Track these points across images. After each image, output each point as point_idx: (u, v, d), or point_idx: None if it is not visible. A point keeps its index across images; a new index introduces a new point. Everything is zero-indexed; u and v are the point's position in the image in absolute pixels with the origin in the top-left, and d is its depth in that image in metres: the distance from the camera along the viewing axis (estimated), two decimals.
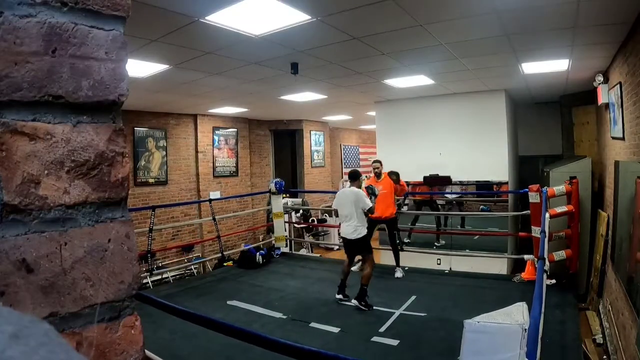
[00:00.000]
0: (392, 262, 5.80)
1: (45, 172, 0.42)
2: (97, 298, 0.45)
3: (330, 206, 10.74)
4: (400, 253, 5.87)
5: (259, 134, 10.39)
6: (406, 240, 7.00)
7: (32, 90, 0.41)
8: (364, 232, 4.52)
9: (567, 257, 5.08)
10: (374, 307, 4.40)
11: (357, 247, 4.60)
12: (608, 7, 3.14)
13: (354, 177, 4.71)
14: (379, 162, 5.81)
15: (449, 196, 7.70)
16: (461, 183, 7.29)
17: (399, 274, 5.56)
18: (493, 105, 6.71)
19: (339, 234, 5.13)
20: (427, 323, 4.02)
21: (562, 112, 7.42)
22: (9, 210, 0.39)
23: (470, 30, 3.70)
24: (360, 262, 5.10)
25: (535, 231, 4.99)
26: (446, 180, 7.13)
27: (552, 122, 7.72)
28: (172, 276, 7.02)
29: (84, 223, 0.45)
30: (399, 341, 3.62)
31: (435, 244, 6.89)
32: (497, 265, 6.09)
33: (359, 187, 4.69)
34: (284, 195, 7.47)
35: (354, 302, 4.42)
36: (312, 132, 11.15)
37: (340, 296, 4.62)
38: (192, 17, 3.18)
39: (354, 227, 4.50)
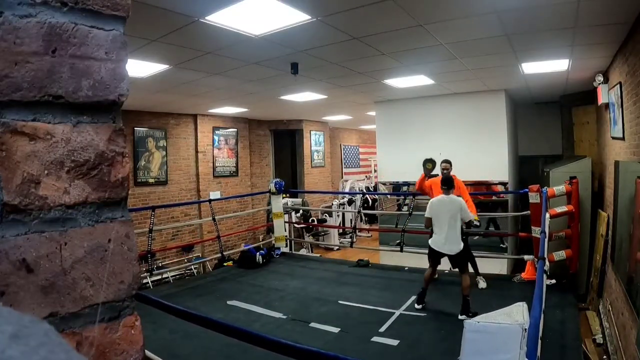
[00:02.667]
0: (392, 262, 5.81)
1: (45, 172, 0.42)
2: (97, 298, 0.45)
3: (329, 206, 10.77)
4: (401, 253, 5.86)
5: (259, 134, 10.39)
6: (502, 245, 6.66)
7: (32, 90, 0.41)
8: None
9: (567, 257, 5.08)
10: (374, 307, 4.41)
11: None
12: (608, 7, 3.14)
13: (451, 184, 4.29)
14: (449, 162, 5.12)
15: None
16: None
17: (482, 284, 4.92)
18: (493, 105, 6.71)
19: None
20: (427, 323, 4.02)
21: (562, 112, 7.43)
22: (9, 210, 0.39)
23: (470, 30, 3.70)
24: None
25: (535, 231, 4.99)
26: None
27: (552, 122, 7.73)
28: (172, 276, 7.02)
29: (84, 223, 0.45)
30: (399, 341, 3.62)
31: (501, 245, 6.63)
32: (497, 265, 6.09)
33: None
34: (284, 195, 7.47)
35: (462, 317, 3.91)
36: (312, 132, 11.15)
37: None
38: (192, 17, 3.18)
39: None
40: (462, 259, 4.24)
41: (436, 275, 4.76)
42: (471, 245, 4.93)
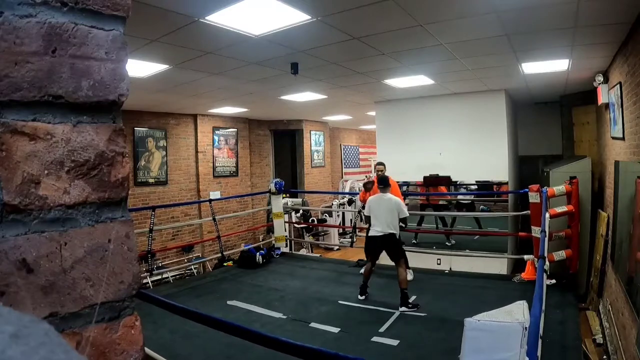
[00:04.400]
0: (392, 263, 5.79)
1: (45, 172, 0.42)
2: (97, 298, 0.45)
3: (329, 206, 10.77)
4: None
5: (259, 134, 10.39)
6: (413, 241, 6.97)
7: (32, 90, 0.41)
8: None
9: (567, 257, 5.08)
10: (375, 307, 4.41)
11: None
12: (608, 7, 3.14)
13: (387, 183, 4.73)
14: (382, 164, 5.70)
15: (456, 197, 7.65)
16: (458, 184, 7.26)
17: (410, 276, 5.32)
18: (493, 105, 6.71)
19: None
20: (427, 323, 4.02)
21: (562, 112, 7.42)
22: (9, 210, 0.39)
23: (470, 30, 3.70)
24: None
25: (535, 231, 4.99)
26: (447, 181, 7.12)
27: (552, 122, 7.72)
28: (172, 276, 7.02)
29: (84, 223, 0.45)
30: (399, 341, 3.63)
31: (447, 243, 6.85)
32: (497, 265, 6.09)
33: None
34: (284, 196, 7.47)
35: (402, 308, 4.33)
36: (312, 132, 11.15)
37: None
38: (192, 17, 3.18)
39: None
40: (397, 250, 4.60)
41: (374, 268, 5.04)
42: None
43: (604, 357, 4.15)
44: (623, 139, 4.05)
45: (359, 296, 4.70)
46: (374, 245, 4.63)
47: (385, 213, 4.53)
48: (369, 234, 4.68)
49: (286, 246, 7.27)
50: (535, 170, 7.82)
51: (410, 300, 4.37)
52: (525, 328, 1.71)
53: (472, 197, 7.49)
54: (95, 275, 0.45)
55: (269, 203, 7.26)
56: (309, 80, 5.58)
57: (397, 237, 4.59)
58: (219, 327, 2.24)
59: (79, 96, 0.45)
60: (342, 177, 12.96)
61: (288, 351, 1.83)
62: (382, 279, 5.47)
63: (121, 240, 0.48)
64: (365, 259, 4.87)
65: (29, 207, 0.41)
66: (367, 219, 4.87)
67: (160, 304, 2.53)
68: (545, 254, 3.44)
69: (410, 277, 5.15)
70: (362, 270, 5.31)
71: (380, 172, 5.52)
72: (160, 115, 7.98)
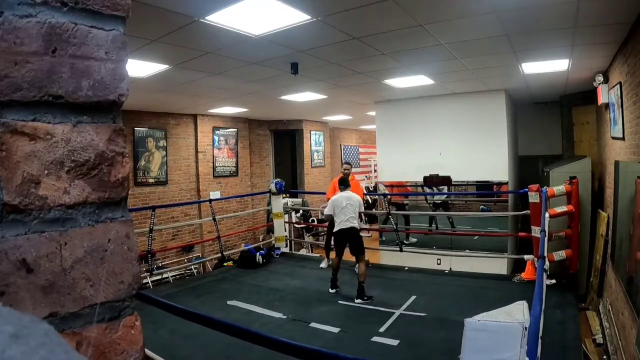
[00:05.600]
0: (392, 263, 5.83)
1: (45, 172, 0.42)
2: (97, 298, 0.45)
3: None
4: (401, 253, 5.87)
5: (259, 134, 10.39)
6: (405, 242, 7.04)
7: (32, 90, 0.41)
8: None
9: (567, 257, 5.07)
10: (375, 307, 4.41)
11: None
12: (608, 7, 3.14)
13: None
14: (349, 163, 6.08)
15: (436, 197, 7.79)
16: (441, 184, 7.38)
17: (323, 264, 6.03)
18: (493, 105, 6.71)
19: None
20: (427, 323, 4.02)
21: (562, 112, 7.42)
22: (9, 210, 0.39)
23: (470, 30, 3.70)
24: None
25: (535, 231, 4.99)
26: (446, 180, 7.14)
27: (552, 122, 7.72)
28: (172, 276, 7.02)
29: (84, 223, 0.45)
30: (399, 341, 3.63)
31: (405, 241, 7.02)
32: (497, 265, 6.09)
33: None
34: (284, 196, 7.48)
35: (357, 300, 4.64)
36: (312, 132, 11.14)
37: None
38: (192, 17, 3.18)
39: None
40: (358, 244, 4.94)
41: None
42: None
43: (604, 357, 4.15)
44: (623, 139, 4.05)
45: (329, 290, 5.01)
46: (341, 238, 4.97)
47: (349, 209, 4.92)
48: (336, 229, 4.99)
49: (286, 246, 7.27)
50: (535, 170, 7.82)
51: (367, 294, 4.67)
52: (525, 328, 1.71)
53: (444, 197, 7.67)
54: (95, 275, 0.45)
55: (269, 203, 7.26)
56: (309, 80, 5.58)
57: (359, 231, 4.99)
58: (218, 328, 2.24)
59: (79, 96, 0.45)
60: None
61: (287, 351, 1.83)
62: (382, 279, 5.47)
63: (121, 240, 0.48)
64: (335, 254, 5.18)
65: (29, 207, 0.41)
66: (328, 217, 5.29)
67: (160, 305, 2.53)
68: (545, 254, 3.44)
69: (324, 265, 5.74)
70: (322, 264, 6.08)
71: (346, 171, 5.81)
72: (160, 115, 7.98)
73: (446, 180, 7.12)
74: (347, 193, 5.05)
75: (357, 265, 5.12)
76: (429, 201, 7.81)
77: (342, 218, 4.90)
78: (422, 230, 7.64)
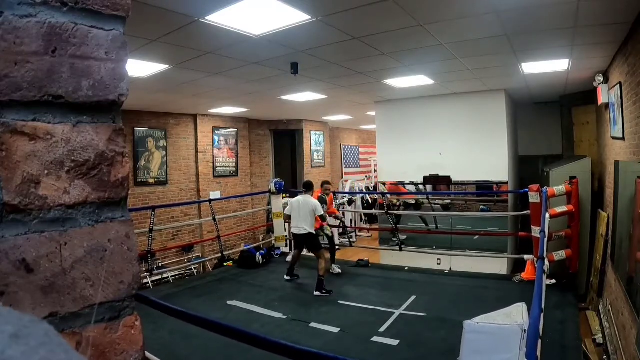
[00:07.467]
0: (392, 262, 5.83)
1: (45, 172, 0.42)
2: (97, 298, 0.45)
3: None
4: (401, 253, 5.87)
5: (259, 134, 10.39)
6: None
7: (32, 90, 0.41)
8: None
9: (567, 257, 5.08)
10: (375, 307, 4.41)
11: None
12: (608, 7, 3.14)
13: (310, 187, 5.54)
14: (329, 182, 6.54)
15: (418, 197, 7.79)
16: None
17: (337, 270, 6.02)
18: (493, 105, 6.71)
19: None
20: (427, 323, 4.02)
21: (562, 112, 7.42)
22: (9, 210, 0.39)
23: (470, 30, 3.70)
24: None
25: (535, 231, 4.99)
26: (447, 180, 7.14)
27: (552, 122, 7.72)
28: (172, 276, 7.02)
29: (84, 223, 0.45)
30: (399, 341, 3.63)
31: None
32: (497, 265, 6.09)
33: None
34: (284, 195, 7.48)
35: (316, 293, 5.00)
36: (312, 132, 11.14)
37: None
38: (192, 17, 3.18)
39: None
40: (311, 244, 5.32)
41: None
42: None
43: (604, 357, 4.15)
44: (623, 139, 4.05)
45: (285, 277, 5.53)
46: (296, 239, 5.46)
47: (304, 214, 5.21)
48: (292, 231, 5.46)
49: (286, 246, 7.27)
50: (535, 170, 7.82)
51: (325, 288, 4.98)
52: (524, 330, 1.71)
53: (417, 197, 7.72)
54: (95, 275, 0.45)
55: (269, 203, 7.26)
56: (309, 80, 5.57)
57: (314, 234, 5.29)
58: (217, 330, 2.24)
59: (79, 96, 0.45)
60: (342, 177, 12.96)
61: (285, 354, 1.83)
62: (382, 280, 5.48)
63: (121, 240, 0.48)
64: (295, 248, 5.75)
65: (29, 207, 0.41)
66: (287, 218, 5.72)
67: (159, 307, 2.52)
68: (545, 254, 3.44)
69: (337, 270, 5.89)
70: (288, 258, 6.30)
71: (327, 191, 6.18)
72: (160, 115, 7.98)
73: (446, 180, 7.12)
74: (305, 197, 5.31)
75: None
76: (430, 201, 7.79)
77: (294, 223, 5.29)
78: (422, 230, 7.62)
